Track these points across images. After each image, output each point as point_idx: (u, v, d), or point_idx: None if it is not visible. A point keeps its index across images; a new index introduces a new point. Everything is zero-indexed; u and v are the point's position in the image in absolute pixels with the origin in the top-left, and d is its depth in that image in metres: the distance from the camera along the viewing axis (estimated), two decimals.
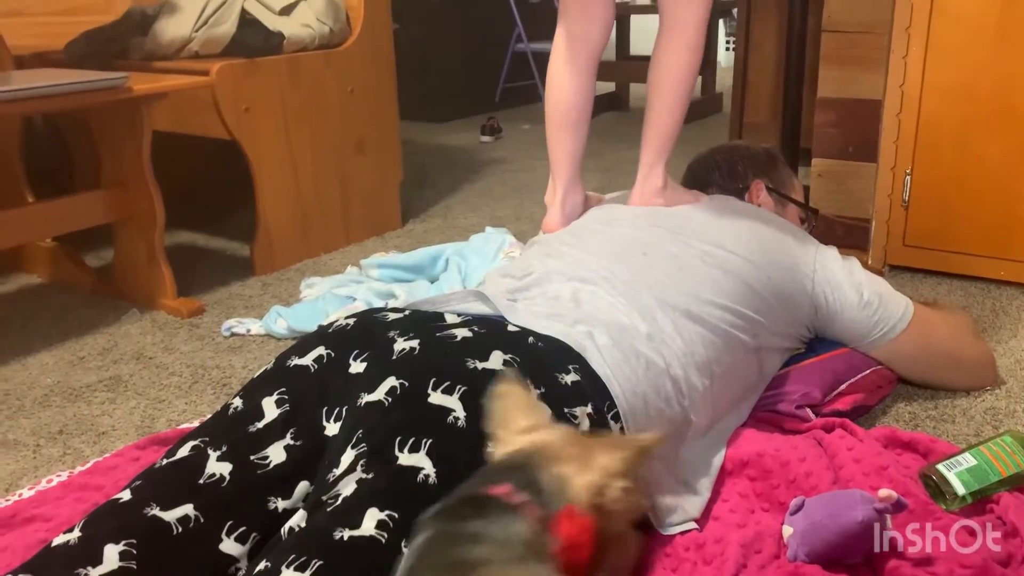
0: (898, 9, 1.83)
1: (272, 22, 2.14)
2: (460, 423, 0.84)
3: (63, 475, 1.25)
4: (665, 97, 1.36)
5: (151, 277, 1.93)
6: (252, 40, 2.09)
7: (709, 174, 1.52)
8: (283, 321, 1.75)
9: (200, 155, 2.59)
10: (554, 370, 0.94)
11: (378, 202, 2.45)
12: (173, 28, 2.12)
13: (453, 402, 0.86)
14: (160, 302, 1.92)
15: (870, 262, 2.00)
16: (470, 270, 1.93)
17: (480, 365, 0.91)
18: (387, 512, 0.76)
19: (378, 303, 1.81)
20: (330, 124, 2.26)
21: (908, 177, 1.90)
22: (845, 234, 2.04)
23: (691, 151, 1.60)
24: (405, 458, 0.81)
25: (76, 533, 0.83)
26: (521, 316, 1.06)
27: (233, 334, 1.78)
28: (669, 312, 1.12)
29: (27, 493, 1.20)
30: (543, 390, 0.90)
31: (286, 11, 2.17)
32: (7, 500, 1.18)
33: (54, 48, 2.19)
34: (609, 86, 4.71)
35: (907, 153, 1.90)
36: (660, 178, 1.38)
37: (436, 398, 0.86)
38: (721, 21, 5.13)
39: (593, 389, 0.96)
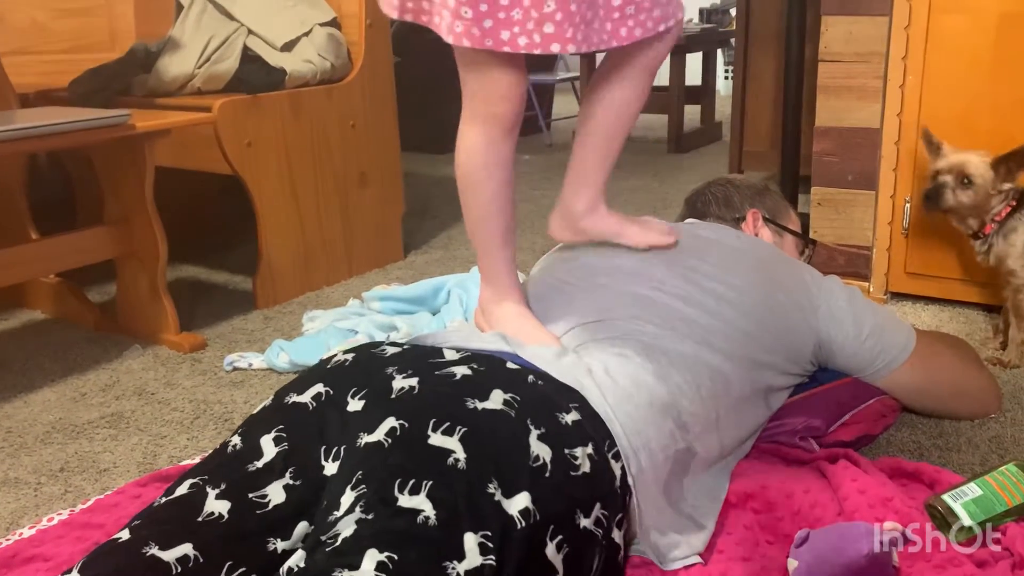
0: (894, 39, 1.85)
1: (274, 58, 2.16)
2: (460, 465, 0.84)
3: (64, 513, 1.24)
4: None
5: (153, 312, 1.93)
6: (254, 76, 2.11)
7: (706, 206, 1.53)
8: (285, 355, 1.75)
9: (202, 190, 2.60)
10: (555, 410, 0.94)
11: (380, 234, 2.46)
12: (176, 65, 2.15)
13: (453, 443, 0.85)
14: (162, 337, 1.92)
15: (871, 290, 2.00)
16: (471, 302, 1.93)
17: (480, 405, 0.90)
18: (387, 554, 0.76)
19: (380, 336, 1.81)
20: (332, 158, 2.28)
21: (908, 205, 1.91)
22: (846, 263, 2.04)
23: (693, 179, 1.62)
24: (405, 500, 0.80)
25: (75, 574, 0.82)
26: (528, 351, 1.06)
27: (235, 368, 1.78)
28: (677, 345, 1.12)
29: (28, 532, 1.20)
30: (543, 430, 0.90)
31: (287, 47, 2.20)
32: (8, 539, 1.18)
33: (59, 86, 2.21)
34: None
35: (906, 181, 1.90)
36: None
37: (436, 439, 0.86)
38: (719, 51, 5.17)
39: (594, 428, 0.95)
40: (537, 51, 0.98)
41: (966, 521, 1.06)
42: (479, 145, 1.10)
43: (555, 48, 0.98)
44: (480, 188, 1.13)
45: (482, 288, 1.23)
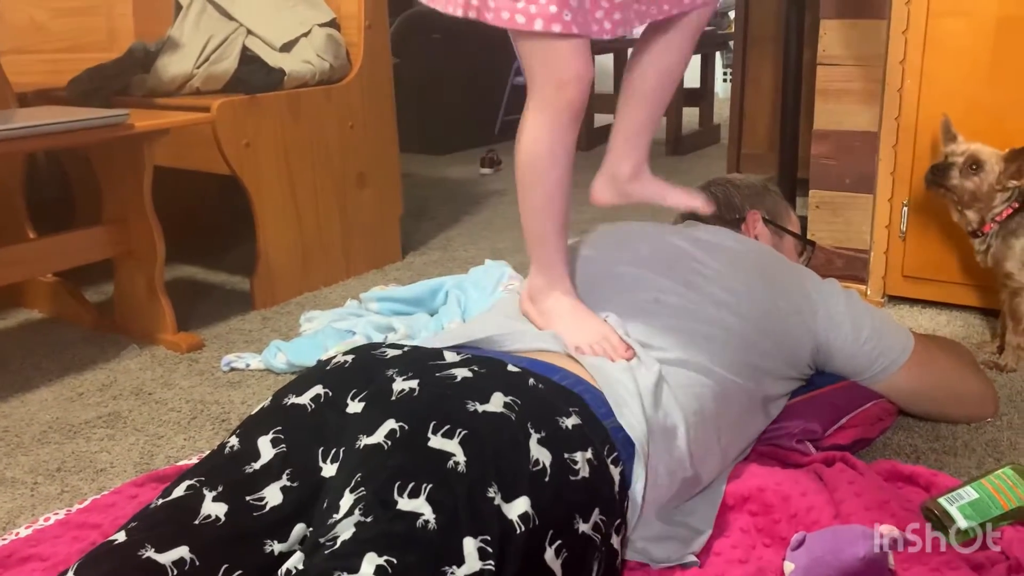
0: (892, 43, 1.85)
1: (273, 59, 2.16)
2: (460, 468, 0.83)
3: (61, 513, 1.24)
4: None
5: (151, 312, 1.93)
6: (253, 77, 2.11)
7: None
8: (283, 355, 1.75)
9: (200, 190, 2.60)
10: (555, 413, 0.94)
11: (378, 235, 2.46)
12: (175, 65, 2.15)
13: (453, 446, 0.85)
14: (160, 337, 1.92)
15: (869, 293, 2.00)
16: (469, 303, 1.93)
17: (481, 408, 0.90)
18: (385, 557, 0.75)
19: (378, 337, 1.81)
20: (330, 158, 2.27)
21: (905, 208, 1.91)
22: (844, 265, 2.04)
23: (691, 181, 1.61)
24: (405, 503, 0.80)
25: None
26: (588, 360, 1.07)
27: (232, 369, 1.78)
28: (679, 366, 1.12)
29: (24, 532, 1.19)
30: (543, 434, 0.89)
31: (287, 48, 2.20)
32: (4, 539, 1.18)
33: (57, 85, 2.21)
34: (609, 118, 4.74)
35: (904, 184, 1.90)
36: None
37: (436, 442, 0.85)
38: (718, 53, 5.17)
39: (594, 433, 0.95)
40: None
41: (962, 524, 1.06)
42: (546, 132, 1.12)
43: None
44: (546, 175, 1.14)
45: (532, 276, 1.23)
